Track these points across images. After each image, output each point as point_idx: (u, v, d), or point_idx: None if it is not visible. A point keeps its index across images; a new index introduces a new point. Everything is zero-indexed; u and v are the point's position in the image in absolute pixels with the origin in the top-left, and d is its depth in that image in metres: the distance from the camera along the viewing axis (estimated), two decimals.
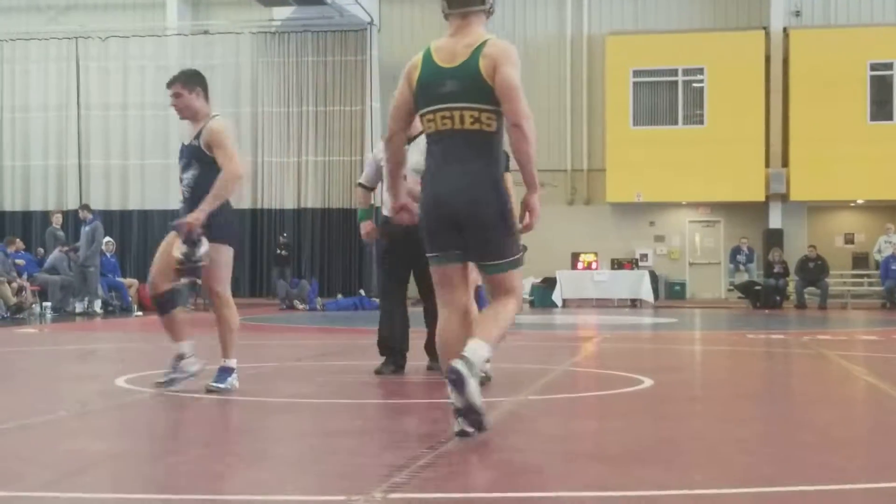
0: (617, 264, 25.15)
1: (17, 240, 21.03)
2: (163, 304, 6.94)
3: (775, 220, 26.50)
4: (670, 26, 27.03)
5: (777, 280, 24.11)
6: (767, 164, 26.16)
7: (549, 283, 24.27)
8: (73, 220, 23.99)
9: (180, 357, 6.90)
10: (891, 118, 25.93)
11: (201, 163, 6.79)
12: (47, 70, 28.23)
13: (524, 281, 16.96)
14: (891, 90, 26.05)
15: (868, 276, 26.52)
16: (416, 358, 8.26)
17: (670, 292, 26.79)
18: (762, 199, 26.28)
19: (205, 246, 6.68)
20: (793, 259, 24.70)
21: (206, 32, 27.84)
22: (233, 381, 6.90)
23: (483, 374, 6.94)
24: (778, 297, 23.88)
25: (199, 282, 7.22)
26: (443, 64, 5.14)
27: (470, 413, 4.83)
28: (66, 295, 19.84)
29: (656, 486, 4.06)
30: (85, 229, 19.87)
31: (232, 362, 6.92)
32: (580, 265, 24.98)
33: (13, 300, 18.27)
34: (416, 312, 8.15)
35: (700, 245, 27.77)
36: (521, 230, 5.09)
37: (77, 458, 4.73)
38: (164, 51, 27.61)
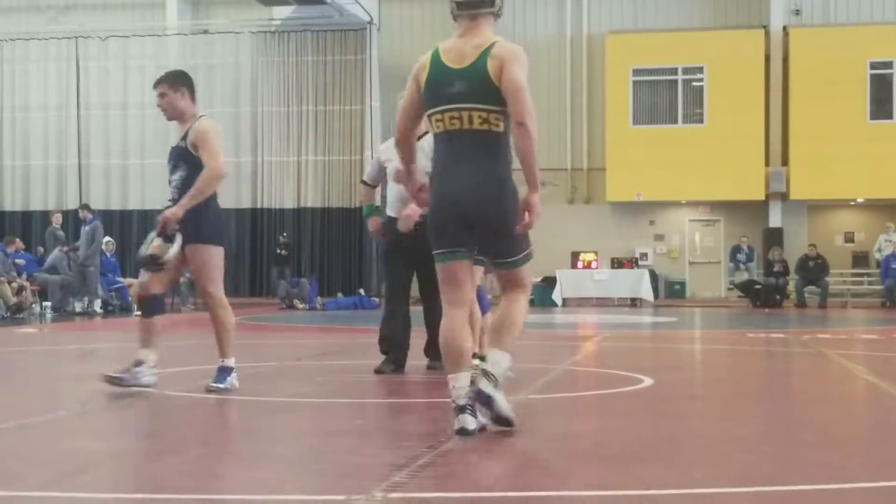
0: (617, 263, 25.14)
1: (17, 239, 21.02)
2: (148, 307, 6.92)
3: (775, 219, 26.50)
4: (670, 25, 27.03)
5: (777, 279, 24.11)
6: (767, 163, 26.15)
7: (549, 283, 24.25)
8: (73, 220, 23.98)
9: (139, 363, 6.81)
10: (891, 117, 25.92)
11: (188, 164, 6.80)
12: (47, 70, 28.24)
13: None
14: (891, 89, 26.04)
15: (868, 274, 26.52)
16: (416, 357, 8.26)
17: (670, 291, 26.78)
18: (762, 197, 26.27)
19: (176, 245, 6.69)
20: (793, 258, 24.69)
21: (205, 32, 27.84)
22: (232, 380, 6.89)
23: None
24: (778, 296, 23.87)
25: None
26: (451, 65, 5.17)
27: (501, 422, 5.10)
28: (65, 295, 19.84)
29: (657, 485, 4.06)
30: (85, 229, 19.87)
31: (230, 361, 6.91)
32: (580, 264, 24.97)
33: (13, 300, 18.26)
34: (416, 312, 8.15)
35: (700, 244, 27.77)
36: (521, 229, 5.10)
37: (77, 457, 4.73)
38: (164, 50, 27.62)
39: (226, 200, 27.23)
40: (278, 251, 25.48)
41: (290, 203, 27.04)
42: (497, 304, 5.59)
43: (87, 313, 19.35)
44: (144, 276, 6.97)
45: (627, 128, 26.59)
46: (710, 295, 27.13)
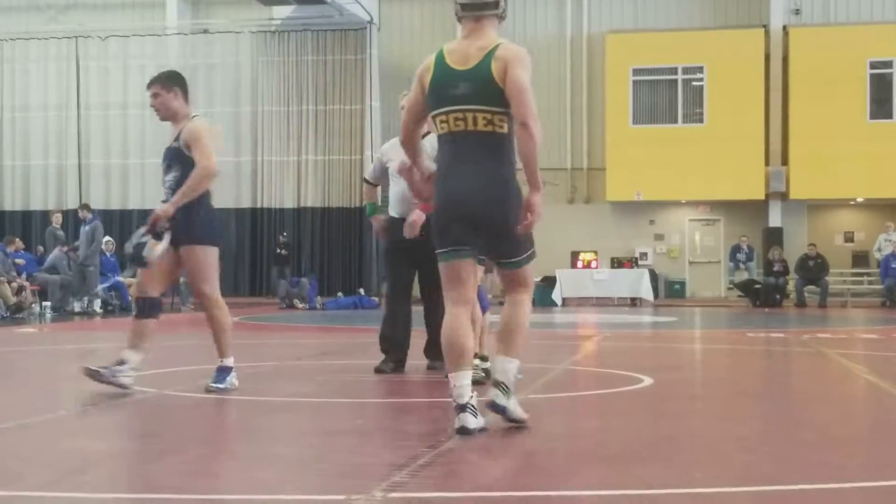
0: (617, 263, 25.14)
1: (17, 239, 21.02)
2: (144, 308, 6.90)
3: (775, 219, 26.50)
4: (670, 25, 27.03)
5: (777, 278, 24.11)
6: (767, 163, 26.16)
7: (549, 282, 24.25)
8: (73, 220, 23.98)
9: (121, 362, 6.78)
10: (890, 116, 25.92)
11: (182, 164, 6.80)
12: (47, 69, 28.24)
13: None
14: (890, 88, 26.04)
15: (868, 274, 26.53)
16: (417, 357, 8.26)
17: (670, 291, 26.78)
18: (762, 197, 26.27)
19: (164, 243, 6.69)
20: (793, 257, 24.69)
21: (205, 31, 27.84)
22: (232, 379, 6.89)
23: (482, 374, 6.97)
24: (778, 296, 23.87)
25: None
26: (455, 66, 5.20)
27: (514, 422, 5.25)
28: (65, 294, 19.84)
29: (657, 485, 4.06)
30: (85, 229, 19.87)
31: (229, 361, 6.91)
32: (580, 264, 24.98)
33: (13, 300, 18.26)
34: (416, 312, 8.15)
35: (700, 243, 27.77)
36: (522, 229, 5.11)
37: (77, 457, 4.73)
38: (164, 50, 27.62)
39: (226, 200, 27.52)
40: (278, 251, 25.48)
41: (290, 203, 27.04)
42: (499, 305, 5.60)
43: (87, 313, 19.35)
44: (141, 276, 6.96)
45: (627, 127, 26.59)
46: (710, 294, 27.13)
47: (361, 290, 25.16)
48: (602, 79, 27.04)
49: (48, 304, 19.24)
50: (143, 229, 6.83)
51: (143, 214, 29.74)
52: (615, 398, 6.94)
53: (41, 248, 23.04)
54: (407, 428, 5.76)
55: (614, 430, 5.60)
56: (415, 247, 7.61)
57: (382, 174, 8.18)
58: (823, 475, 4.39)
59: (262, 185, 27.24)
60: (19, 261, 20.11)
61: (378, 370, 8.01)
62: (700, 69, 26.53)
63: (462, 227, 5.18)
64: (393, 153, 7.78)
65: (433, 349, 8.05)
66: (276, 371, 8.83)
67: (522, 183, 5.18)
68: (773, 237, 25.87)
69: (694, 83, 26.71)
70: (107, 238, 21.14)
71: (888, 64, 26.08)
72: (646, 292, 24.26)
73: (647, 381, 7.62)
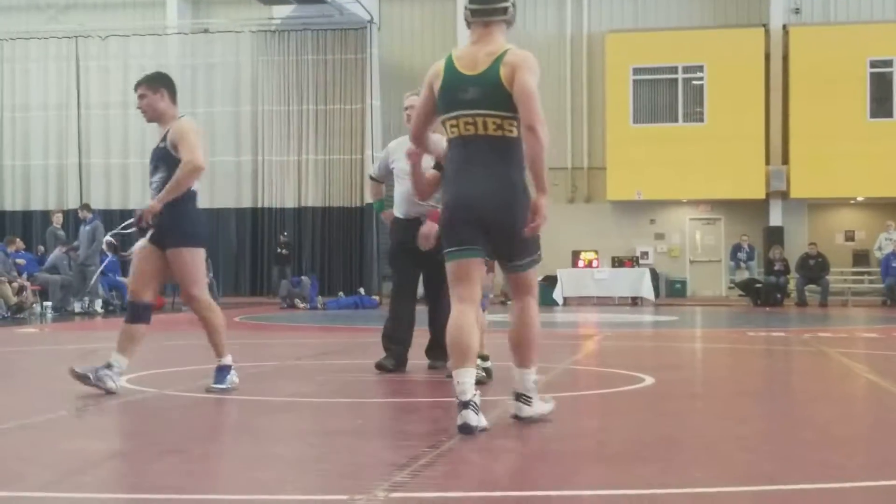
0: (617, 262, 25.14)
1: (18, 239, 21.02)
2: (135, 313, 6.87)
3: (776, 218, 26.50)
4: (670, 24, 27.02)
5: (778, 277, 24.10)
6: (768, 162, 26.15)
7: (550, 282, 24.24)
8: (73, 220, 23.97)
9: (108, 366, 6.75)
10: (891, 115, 25.91)
11: (168, 165, 6.78)
12: (47, 69, 28.25)
13: None
14: (891, 87, 26.03)
15: (868, 273, 26.52)
16: (418, 357, 8.26)
17: (671, 290, 26.78)
18: (762, 196, 26.27)
19: (144, 240, 6.72)
20: (793, 256, 24.69)
21: (206, 31, 27.84)
22: (231, 378, 6.89)
23: (483, 374, 6.98)
24: (778, 295, 23.87)
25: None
26: (465, 71, 5.29)
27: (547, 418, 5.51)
28: (66, 294, 19.84)
29: (657, 484, 4.06)
30: (85, 229, 19.86)
31: (227, 359, 6.89)
32: (581, 263, 24.97)
33: (14, 300, 18.26)
34: (418, 312, 8.16)
35: (700, 243, 27.77)
36: (528, 231, 5.16)
37: (77, 458, 4.73)
38: (165, 49, 27.62)
39: (226, 200, 27.45)
40: (279, 250, 25.49)
41: (290, 202, 27.04)
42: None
43: (88, 313, 19.35)
44: (132, 281, 6.97)
45: (628, 127, 26.59)
46: (711, 294, 27.13)
47: (361, 290, 25.16)
48: (602, 78, 27.03)
49: (49, 304, 19.24)
50: (129, 222, 6.87)
51: None
52: (616, 397, 6.94)
53: (42, 248, 23.03)
54: (408, 428, 5.76)
55: (615, 430, 5.60)
56: (420, 248, 7.66)
57: (388, 173, 8.21)
58: (824, 474, 4.39)
59: (262, 185, 27.24)
60: (20, 261, 20.11)
61: (379, 365, 8.01)
62: (700, 68, 26.52)
63: (471, 228, 5.25)
64: (398, 153, 7.80)
65: (435, 350, 8.06)
66: (276, 371, 8.83)
67: (528, 184, 5.23)
68: (774, 236, 25.87)
69: (694, 82, 26.70)
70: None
71: (888, 63, 26.07)
72: (646, 292, 24.25)
73: (648, 380, 7.62)
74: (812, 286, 24.19)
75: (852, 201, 27.37)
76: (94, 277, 19.73)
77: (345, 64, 26.93)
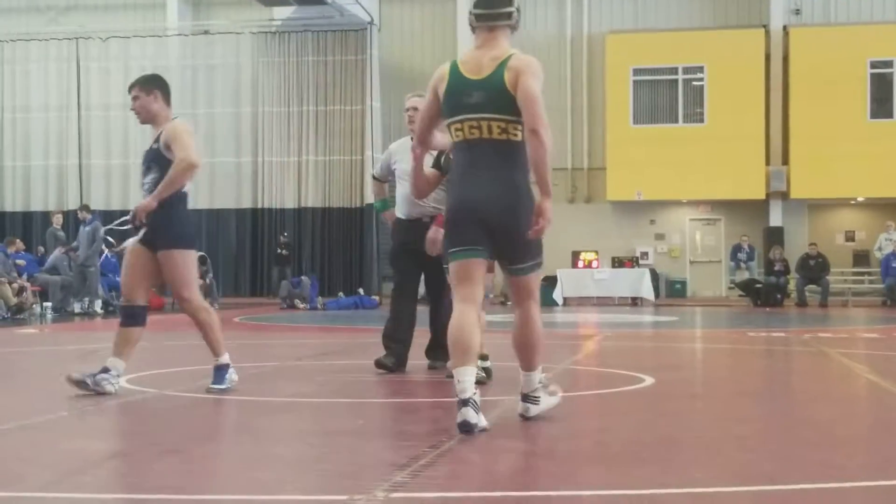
0: (617, 262, 25.14)
1: (18, 240, 21.02)
2: (129, 316, 6.86)
3: (776, 218, 26.50)
4: (670, 25, 27.03)
5: (778, 278, 24.10)
6: (768, 162, 26.15)
7: (550, 282, 24.23)
8: (73, 221, 23.97)
9: (105, 370, 6.75)
10: (891, 116, 25.92)
11: (161, 166, 6.78)
12: (48, 70, 28.27)
13: None
14: (891, 88, 26.04)
15: (869, 273, 26.53)
16: (418, 357, 8.26)
17: (671, 290, 26.79)
18: (762, 196, 26.27)
19: (136, 238, 6.77)
20: (793, 257, 24.69)
21: (206, 32, 27.85)
22: (231, 376, 6.89)
23: (482, 373, 6.99)
24: (779, 295, 23.87)
25: None
26: (469, 75, 5.34)
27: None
28: (66, 295, 19.84)
29: (657, 485, 4.06)
30: (85, 229, 19.86)
31: (224, 358, 6.89)
32: (581, 263, 24.98)
33: (14, 300, 18.26)
34: (419, 311, 8.16)
35: (701, 243, 27.77)
36: (532, 234, 5.18)
37: (77, 458, 4.73)
38: (165, 51, 27.64)
39: (226, 200, 27.48)
40: (279, 251, 25.50)
41: (290, 203, 27.05)
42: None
43: (88, 314, 19.36)
44: (125, 284, 6.97)
45: (628, 127, 26.59)
46: (711, 294, 27.13)
47: (361, 291, 25.16)
48: (602, 79, 27.04)
49: (49, 304, 19.25)
50: (124, 219, 6.93)
51: None
52: (616, 398, 6.94)
53: (42, 249, 23.03)
54: (408, 428, 5.76)
55: (615, 430, 5.60)
56: (421, 249, 7.72)
57: (390, 173, 8.22)
58: (824, 475, 4.39)
59: (262, 186, 27.26)
60: (20, 262, 20.11)
61: (379, 363, 8.01)
62: (700, 69, 26.53)
63: (475, 229, 5.29)
64: (401, 153, 7.81)
65: (435, 350, 8.06)
66: (276, 371, 8.83)
67: (532, 185, 5.25)
68: (774, 236, 25.87)
69: (694, 83, 26.71)
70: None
71: (888, 63, 26.08)
72: (647, 292, 24.25)
73: (648, 380, 7.62)
74: (812, 286, 24.19)
75: (852, 202, 27.38)
76: (94, 278, 19.74)
77: (345, 65, 26.94)
